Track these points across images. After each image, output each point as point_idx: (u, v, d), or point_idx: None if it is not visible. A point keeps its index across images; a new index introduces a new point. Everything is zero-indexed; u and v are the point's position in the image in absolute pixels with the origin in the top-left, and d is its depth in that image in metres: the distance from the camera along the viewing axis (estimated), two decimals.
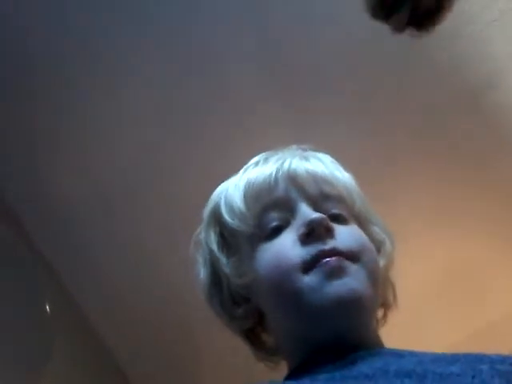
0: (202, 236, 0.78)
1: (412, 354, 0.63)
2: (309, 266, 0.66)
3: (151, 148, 1.67)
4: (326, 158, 0.78)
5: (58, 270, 1.82)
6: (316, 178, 0.74)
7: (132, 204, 1.74)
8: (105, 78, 1.56)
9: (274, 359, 0.75)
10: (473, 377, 0.53)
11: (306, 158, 0.76)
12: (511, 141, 1.75)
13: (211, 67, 1.57)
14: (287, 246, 0.69)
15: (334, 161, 0.79)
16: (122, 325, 1.92)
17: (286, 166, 0.74)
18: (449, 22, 1.53)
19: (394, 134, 1.71)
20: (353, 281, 0.65)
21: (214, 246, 0.75)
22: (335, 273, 0.65)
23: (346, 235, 0.70)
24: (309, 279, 0.65)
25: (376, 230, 0.77)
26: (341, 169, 0.78)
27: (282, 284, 0.67)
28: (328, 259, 0.65)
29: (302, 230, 0.68)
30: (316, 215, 0.69)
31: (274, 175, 0.73)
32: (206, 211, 0.79)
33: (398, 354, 0.63)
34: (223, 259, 0.74)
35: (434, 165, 1.76)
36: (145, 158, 1.68)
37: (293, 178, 0.73)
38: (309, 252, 0.67)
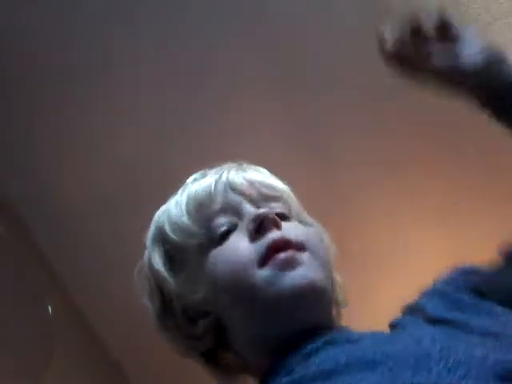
0: (146, 261, 0.78)
1: (365, 336, 0.65)
2: (263, 259, 0.67)
3: (152, 148, 1.67)
4: (263, 169, 0.80)
5: (58, 270, 1.82)
6: (254, 184, 0.75)
7: (132, 204, 1.74)
8: (105, 78, 1.56)
9: (237, 378, 0.74)
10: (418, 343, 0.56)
11: (243, 170, 0.78)
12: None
13: (211, 67, 1.56)
14: (239, 245, 0.69)
15: (271, 173, 0.81)
16: (122, 325, 1.91)
17: (223, 176, 0.75)
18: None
19: (395, 133, 1.71)
20: (305, 269, 0.66)
21: (160, 267, 0.74)
22: (288, 264, 0.66)
23: (291, 228, 0.71)
24: (262, 273, 0.66)
25: (314, 231, 0.78)
26: (277, 179, 0.80)
27: (237, 282, 0.67)
28: (280, 253, 0.66)
29: (251, 225, 0.69)
30: (262, 209, 0.71)
31: (213, 185, 0.74)
32: (149, 235, 0.80)
33: (349, 339, 0.64)
34: (171, 278, 0.73)
35: (435, 163, 1.76)
36: (145, 157, 1.68)
37: (232, 186, 0.74)
38: (261, 244, 0.68)
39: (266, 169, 0.80)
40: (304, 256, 0.67)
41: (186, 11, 1.47)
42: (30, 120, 1.61)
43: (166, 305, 0.74)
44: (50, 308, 1.63)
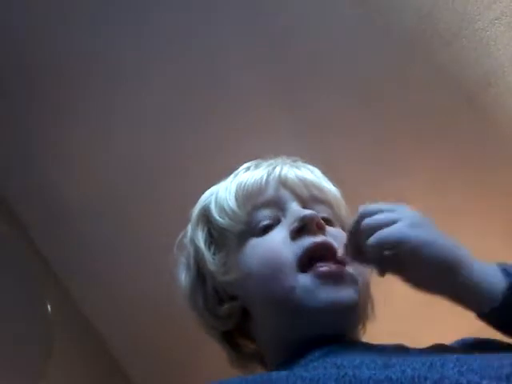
0: (188, 236, 0.79)
1: (384, 348, 0.65)
2: (304, 263, 0.67)
3: (152, 148, 1.67)
4: (316, 169, 0.81)
5: (58, 270, 1.82)
6: (306, 183, 0.76)
7: (132, 204, 1.74)
8: (106, 78, 1.56)
9: (250, 365, 0.76)
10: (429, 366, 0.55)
11: (297, 167, 0.79)
12: (510, 139, 1.74)
13: (211, 68, 1.56)
14: (279, 242, 0.69)
15: (323, 174, 0.81)
16: (121, 324, 1.92)
17: (276, 171, 0.76)
18: (450, 21, 1.54)
19: (394, 133, 1.71)
20: (346, 288, 0.66)
21: (201, 244, 0.76)
22: (330, 278, 0.66)
23: (335, 235, 0.71)
24: (304, 279, 0.66)
25: None
26: (328, 181, 0.80)
27: (275, 280, 0.67)
28: (324, 267, 0.66)
29: (295, 224, 0.70)
30: (308, 211, 0.71)
31: (265, 178, 0.75)
32: (194, 212, 0.80)
33: (369, 348, 0.65)
34: (209, 256, 0.75)
35: (434, 163, 1.76)
36: (146, 158, 1.68)
37: (283, 182, 0.75)
38: (301, 245, 0.68)
39: None
40: (346, 273, 0.67)
41: (187, 11, 1.48)
42: (29, 120, 1.61)
43: (200, 280, 0.76)
44: (49, 307, 1.63)
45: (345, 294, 0.66)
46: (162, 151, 1.68)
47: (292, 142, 1.67)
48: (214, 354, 0.78)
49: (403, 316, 1.92)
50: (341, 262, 0.67)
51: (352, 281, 0.67)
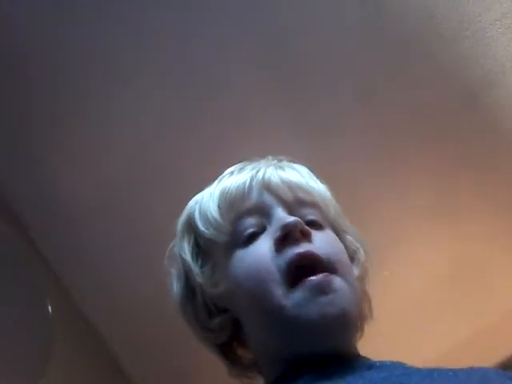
0: (176, 247, 0.77)
1: (382, 366, 0.64)
2: (290, 276, 0.64)
3: (152, 148, 1.67)
4: (302, 169, 0.78)
5: (58, 270, 1.82)
6: (290, 186, 0.73)
7: (132, 204, 1.74)
8: (105, 78, 1.56)
9: (249, 375, 0.74)
10: None
11: (281, 168, 0.76)
12: (511, 139, 1.74)
13: (211, 68, 1.56)
14: (263, 254, 0.67)
15: (310, 172, 0.79)
16: (122, 325, 1.91)
17: (260, 174, 0.73)
18: (451, 23, 1.54)
19: (394, 134, 1.71)
20: (338, 298, 0.64)
21: (188, 256, 0.74)
22: (320, 289, 0.63)
23: (322, 240, 0.69)
24: (293, 297, 0.64)
25: (350, 239, 0.77)
26: (316, 179, 0.78)
27: (262, 296, 0.65)
28: (313, 277, 0.64)
29: (278, 234, 0.67)
30: (291, 218, 0.68)
31: (247, 183, 0.72)
32: (180, 222, 0.78)
33: (370, 367, 0.63)
34: (196, 269, 0.73)
35: (435, 164, 1.76)
36: (145, 157, 1.68)
37: (267, 186, 0.72)
38: (284, 258, 0.66)
39: None
40: (336, 281, 0.65)
41: (186, 11, 1.47)
42: (29, 120, 1.61)
43: (190, 292, 0.74)
44: (50, 308, 1.63)
45: (337, 303, 0.63)
46: (162, 151, 1.68)
47: (292, 142, 1.67)
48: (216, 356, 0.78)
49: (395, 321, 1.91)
50: (328, 270, 0.65)
51: (342, 287, 0.65)
